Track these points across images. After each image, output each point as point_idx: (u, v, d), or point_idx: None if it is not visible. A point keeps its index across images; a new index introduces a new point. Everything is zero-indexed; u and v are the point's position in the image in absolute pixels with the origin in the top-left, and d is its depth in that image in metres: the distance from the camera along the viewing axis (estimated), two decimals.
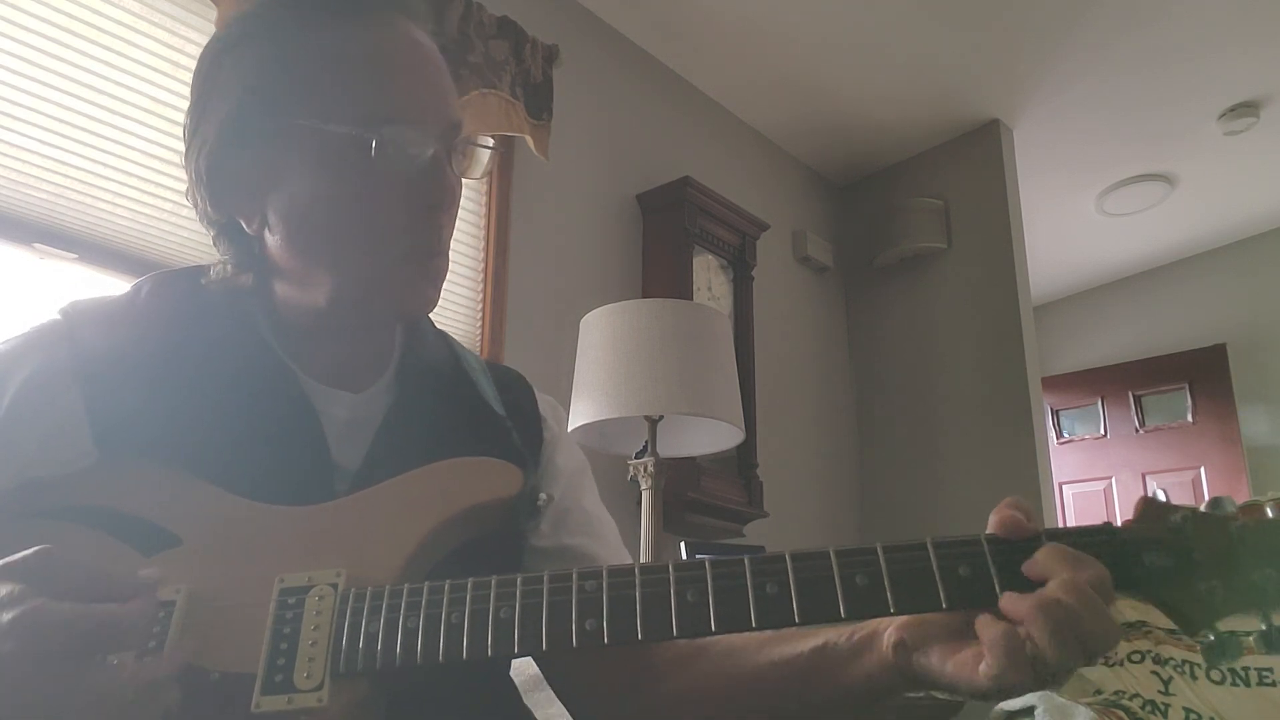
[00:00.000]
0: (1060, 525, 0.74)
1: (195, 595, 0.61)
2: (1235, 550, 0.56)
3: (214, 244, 0.79)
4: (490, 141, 0.83)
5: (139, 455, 0.68)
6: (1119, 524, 0.60)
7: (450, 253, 0.79)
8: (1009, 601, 0.55)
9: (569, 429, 1.86)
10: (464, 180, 0.81)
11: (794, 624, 0.58)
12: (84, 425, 0.68)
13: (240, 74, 0.72)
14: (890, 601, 0.57)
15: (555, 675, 0.82)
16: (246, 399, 0.72)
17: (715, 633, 0.58)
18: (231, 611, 0.61)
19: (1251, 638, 0.56)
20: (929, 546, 0.58)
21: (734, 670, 0.72)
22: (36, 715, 0.51)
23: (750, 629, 0.58)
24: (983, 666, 0.54)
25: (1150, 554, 0.57)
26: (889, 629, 0.62)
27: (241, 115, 0.72)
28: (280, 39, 0.72)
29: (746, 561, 0.59)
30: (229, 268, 0.78)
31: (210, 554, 0.64)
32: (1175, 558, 0.57)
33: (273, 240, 0.74)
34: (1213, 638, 0.56)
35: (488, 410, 0.83)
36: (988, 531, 0.59)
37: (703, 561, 0.60)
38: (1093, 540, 0.58)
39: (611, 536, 0.87)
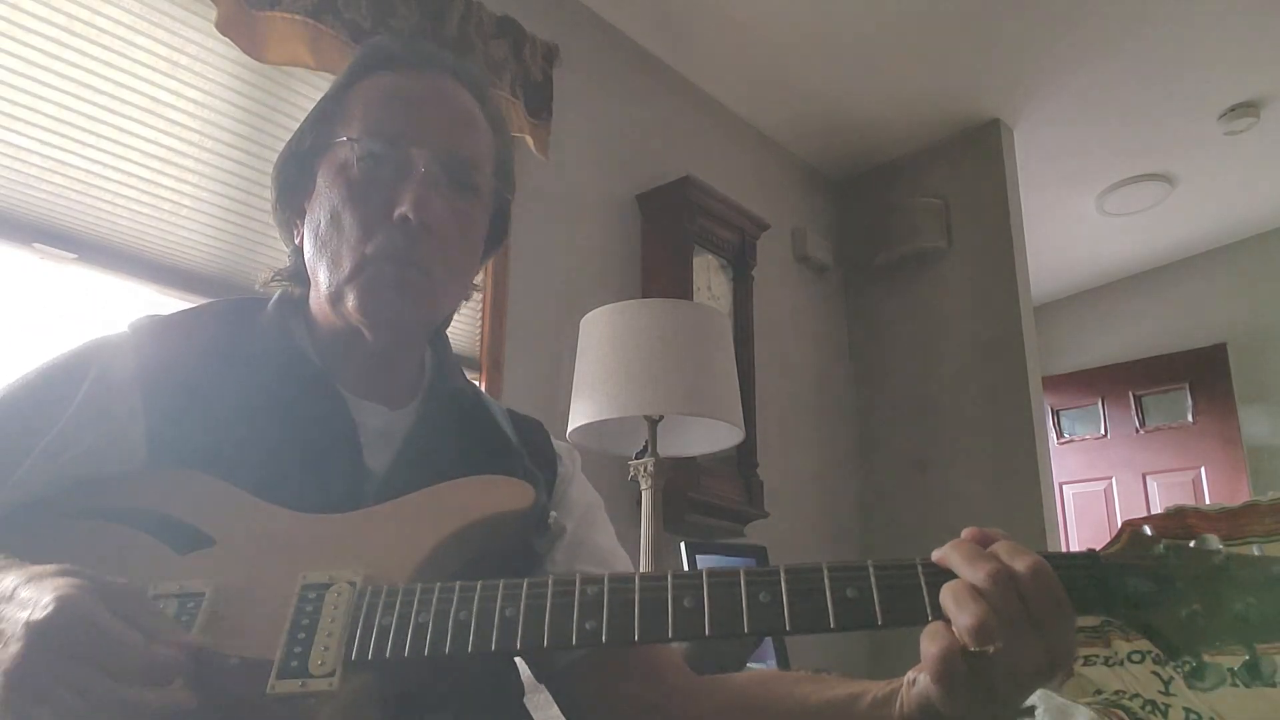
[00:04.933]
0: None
1: (222, 589, 0.66)
2: (1217, 580, 0.58)
3: (289, 259, 0.89)
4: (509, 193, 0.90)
5: (183, 461, 0.73)
6: (1102, 551, 0.62)
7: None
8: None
9: (569, 428, 1.86)
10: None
11: (784, 630, 0.60)
12: (140, 429, 0.74)
13: (313, 109, 0.86)
14: (879, 613, 0.59)
15: (564, 698, 0.82)
16: (287, 408, 0.77)
17: (709, 636, 0.59)
18: (255, 604, 0.65)
19: (1235, 668, 0.57)
20: (918, 565, 0.61)
21: (755, 706, 0.74)
22: (38, 686, 0.52)
23: (743, 633, 0.60)
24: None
25: (1133, 578, 0.59)
26: (908, 677, 0.64)
27: (300, 139, 0.85)
28: (349, 81, 0.85)
29: (742, 573, 0.62)
30: (285, 280, 0.88)
31: (239, 554, 0.69)
32: (1157, 582, 0.58)
33: (305, 249, 0.83)
34: (1194, 664, 0.58)
35: (503, 437, 0.89)
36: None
37: (700, 572, 0.62)
38: (1076, 564, 0.60)
39: (623, 570, 0.87)
